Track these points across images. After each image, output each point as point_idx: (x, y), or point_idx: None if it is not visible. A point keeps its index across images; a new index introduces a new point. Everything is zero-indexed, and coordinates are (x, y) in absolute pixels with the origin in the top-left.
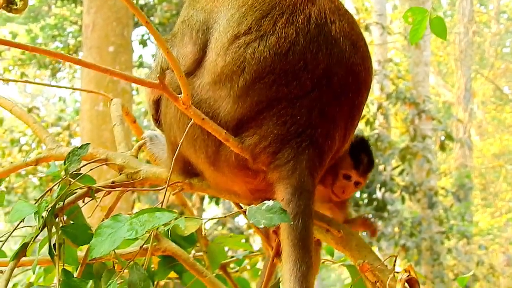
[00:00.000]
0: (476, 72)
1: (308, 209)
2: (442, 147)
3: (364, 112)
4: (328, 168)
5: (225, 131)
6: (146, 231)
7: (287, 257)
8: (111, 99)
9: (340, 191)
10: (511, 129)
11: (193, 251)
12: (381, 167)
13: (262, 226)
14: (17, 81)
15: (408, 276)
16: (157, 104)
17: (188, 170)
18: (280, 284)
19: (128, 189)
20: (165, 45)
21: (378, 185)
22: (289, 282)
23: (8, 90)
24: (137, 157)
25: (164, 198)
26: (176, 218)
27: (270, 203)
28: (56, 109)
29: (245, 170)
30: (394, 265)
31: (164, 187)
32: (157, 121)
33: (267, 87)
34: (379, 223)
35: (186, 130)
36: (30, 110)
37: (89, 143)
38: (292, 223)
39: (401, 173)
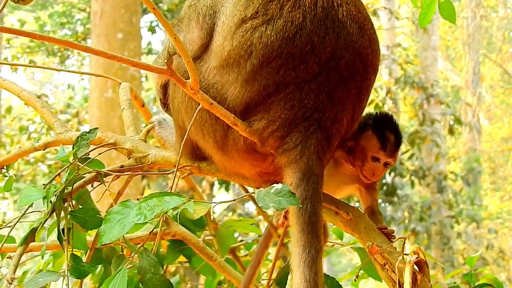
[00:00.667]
0: (484, 56)
1: (316, 193)
2: (451, 131)
3: (372, 97)
4: (356, 150)
5: (233, 115)
6: (155, 216)
7: (295, 242)
8: (120, 83)
9: (370, 174)
10: None
11: (202, 236)
12: None
13: (270, 209)
14: (24, 65)
15: (417, 258)
16: (164, 88)
17: (196, 154)
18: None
19: (137, 173)
20: (172, 31)
21: (388, 170)
22: (298, 267)
23: (16, 78)
24: (145, 142)
25: (173, 182)
26: (184, 203)
27: (278, 186)
28: (65, 96)
29: (254, 153)
30: (403, 247)
31: (173, 171)
32: (165, 105)
33: (275, 71)
34: (389, 208)
35: (194, 115)
36: (39, 97)
37: (97, 128)
38: (300, 207)
39: (410, 157)
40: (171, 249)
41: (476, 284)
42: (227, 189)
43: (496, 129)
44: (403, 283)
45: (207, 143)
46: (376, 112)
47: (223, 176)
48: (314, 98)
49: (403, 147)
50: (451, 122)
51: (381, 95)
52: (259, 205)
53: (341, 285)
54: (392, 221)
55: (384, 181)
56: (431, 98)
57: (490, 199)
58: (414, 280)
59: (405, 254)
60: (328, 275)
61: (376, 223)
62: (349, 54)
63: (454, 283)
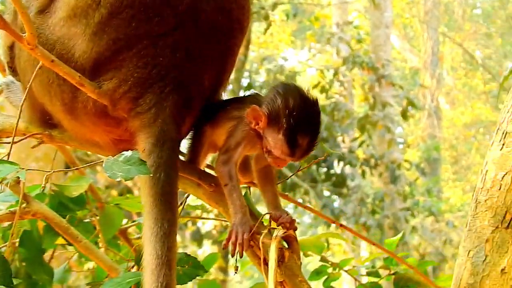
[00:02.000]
0: (444, 35)
1: (172, 160)
2: (405, 115)
3: (318, 79)
4: (262, 138)
5: (80, 74)
6: None
7: (147, 214)
8: None
9: (274, 164)
10: (483, 97)
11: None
12: (339, 139)
13: (119, 179)
14: None
15: (285, 232)
16: (12, 50)
17: (46, 120)
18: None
19: None
20: None
21: (336, 159)
22: (150, 241)
23: None
24: None
25: (10, 150)
26: (18, 171)
27: (128, 153)
28: None
29: (105, 118)
30: (270, 222)
31: (11, 139)
32: (13, 69)
33: (125, 23)
34: (338, 201)
35: (34, 73)
36: None
37: None
38: (152, 175)
39: (361, 145)
40: (47, 231)
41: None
42: None
43: (458, 114)
44: (269, 261)
45: (55, 107)
46: (295, 99)
47: (77, 145)
48: (170, 55)
49: (352, 134)
50: (410, 109)
51: (328, 77)
52: (107, 174)
53: (202, 266)
54: (342, 214)
55: (332, 171)
56: (382, 79)
57: (452, 191)
58: (281, 258)
59: (272, 228)
60: (188, 254)
61: (271, 188)
62: (211, 7)
63: (373, 267)
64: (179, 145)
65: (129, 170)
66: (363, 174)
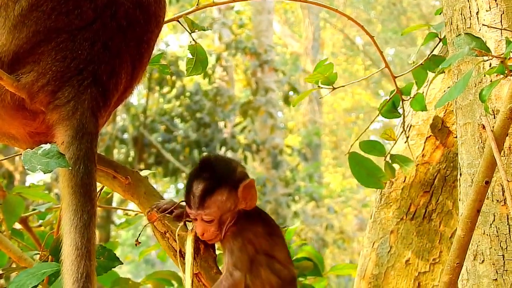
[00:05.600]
0: (324, 20)
1: (90, 153)
2: (286, 101)
3: None
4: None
5: None
6: None
7: (67, 206)
8: None
9: (200, 233)
10: (364, 83)
11: None
12: (221, 124)
13: (38, 172)
14: None
15: None
16: None
17: None
18: None
19: None
20: None
21: (218, 144)
22: (69, 233)
23: None
24: None
25: None
26: None
27: (47, 146)
28: None
29: (23, 111)
30: (185, 214)
31: None
32: None
33: (45, 15)
34: None
35: None
36: None
37: None
38: (71, 168)
39: (243, 130)
40: None
41: (294, 257)
42: None
43: (339, 100)
44: (185, 253)
45: None
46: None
47: None
48: (88, 48)
49: (234, 119)
50: (291, 93)
51: (210, 63)
52: (26, 167)
53: (117, 257)
54: None
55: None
56: (265, 65)
57: (332, 176)
58: (196, 249)
59: (187, 221)
60: (105, 246)
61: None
62: (129, 1)
63: None
64: (96, 138)
65: (48, 163)
66: (245, 159)
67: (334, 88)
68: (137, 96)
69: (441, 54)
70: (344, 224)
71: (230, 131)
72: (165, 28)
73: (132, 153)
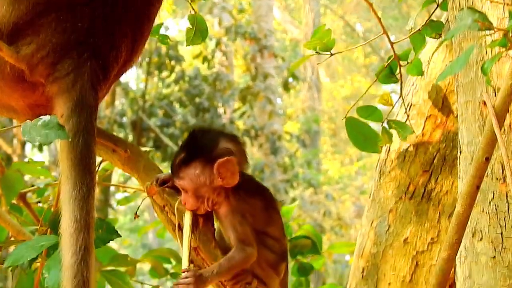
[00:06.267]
0: (325, 7)
1: (90, 125)
2: (286, 87)
3: (201, 49)
4: None
5: None
6: None
7: (66, 179)
8: None
9: (183, 202)
10: (364, 70)
11: None
12: (220, 109)
13: (37, 143)
14: None
15: None
16: None
17: None
18: None
19: None
20: None
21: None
22: (68, 205)
23: None
24: None
25: None
26: None
27: (46, 118)
28: None
29: (22, 83)
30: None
31: None
32: None
33: None
34: None
35: None
36: None
37: None
38: (70, 141)
39: (241, 115)
40: None
41: (293, 236)
42: (40, 149)
43: (338, 87)
44: (183, 226)
45: None
46: None
47: None
48: (88, 21)
49: (234, 104)
50: (290, 80)
51: (210, 47)
52: (25, 138)
53: (116, 231)
54: None
55: None
56: (265, 50)
57: (330, 163)
58: (195, 223)
59: None
60: (103, 219)
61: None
62: None
63: None
64: (96, 111)
65: (47, 134)
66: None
67: (332, 54)
68: (136, 80)
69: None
70: (342, 211)
71: (229, 116)
72: (165, 13)
73: (130, 137)
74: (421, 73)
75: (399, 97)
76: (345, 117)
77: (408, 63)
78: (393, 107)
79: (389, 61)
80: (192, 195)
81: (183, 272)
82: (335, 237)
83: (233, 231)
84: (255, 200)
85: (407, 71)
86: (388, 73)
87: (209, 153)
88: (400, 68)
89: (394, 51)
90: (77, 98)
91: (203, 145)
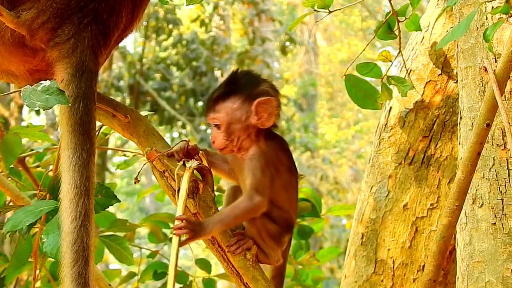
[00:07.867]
0: None
1: (90, 91)
2: (283, 51)
3: (198, 13)
4: None
5: None
6: None
7: (66, 144)
8: None
9: (212, 140)
10: (361, 34)
11: None
12: (217, 73)
13: (37, 108)
14: None
15: (199, 164)
16: None
17: None
18: None
19: None
20: None
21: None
22: (68, 171)
23: None
24: None
25: None
26: None
27: (46, 83)
28: None
29: (23, 48)
30: (185, 152)
31: None
32: None
33: None
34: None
35: None
36: None
37: None
38: (70, 106)
39: None
40: None
41: None
42: (37, 113)
43: (335, 51)
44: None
45: None
46: None
47: None
48: None
49: (231, 68)
50: (287, 44)
51: (207, 11)
52: (25, 103)
53: (115, 195)
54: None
55: None
56: (262, 14)
57: (327, 127)
58: (195, 189)
59: (186, 160)
60: (102, 184)
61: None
62: None
63: None
64: (96, 76)
65: (47, 99)
66: None
67: (330, 12)
68: (134, 44)
69: None
70: (339, 175)
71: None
72: None
73: (127, 100)
74: (419, 28)
75: (398, 54)
76: (344, 75)
77: (406, 19)
78: (392, 63)
79: (388, 17)
80: (224, 131)
81: (176, 220)
82: (332, 201)
83: (252, 176)
84: (283, 156)
85: (406, 26)
86: (387, 29)
87: (251, 90)
88: (398, 24)
89: (392, 7)
90: (77, 63)
91: (246, 82)
